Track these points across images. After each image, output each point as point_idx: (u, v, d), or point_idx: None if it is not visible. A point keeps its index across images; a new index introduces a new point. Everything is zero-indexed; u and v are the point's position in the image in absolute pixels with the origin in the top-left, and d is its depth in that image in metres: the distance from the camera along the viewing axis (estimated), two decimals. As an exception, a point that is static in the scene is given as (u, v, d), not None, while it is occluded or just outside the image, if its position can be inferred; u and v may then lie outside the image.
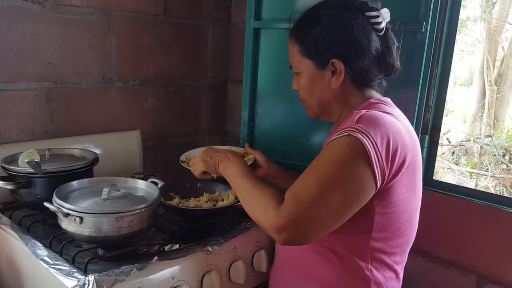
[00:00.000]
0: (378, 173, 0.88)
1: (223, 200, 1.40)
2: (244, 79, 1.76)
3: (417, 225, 1.08)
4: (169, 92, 1.95)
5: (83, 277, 0.97)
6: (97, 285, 0.95)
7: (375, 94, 1.08)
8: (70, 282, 0.99)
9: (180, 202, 1.37)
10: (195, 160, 1.22)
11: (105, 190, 1.13)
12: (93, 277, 0.95)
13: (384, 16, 1.02)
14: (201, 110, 2.14)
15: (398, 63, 1.07)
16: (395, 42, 1.07)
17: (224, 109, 2.25)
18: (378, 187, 0.90)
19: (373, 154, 0.87)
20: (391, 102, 1.07)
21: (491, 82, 4.73)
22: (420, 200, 1.07)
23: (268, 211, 0.91)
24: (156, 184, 1.26)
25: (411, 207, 1.01)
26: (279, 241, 0.91)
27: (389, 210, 0.96)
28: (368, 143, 0.87)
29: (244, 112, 1.79)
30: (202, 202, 1.37)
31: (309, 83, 1.07)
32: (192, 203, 1.37)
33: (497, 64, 4.78)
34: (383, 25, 1.03)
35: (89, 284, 0.95)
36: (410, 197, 0.99)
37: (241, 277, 1.25)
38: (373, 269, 1.00)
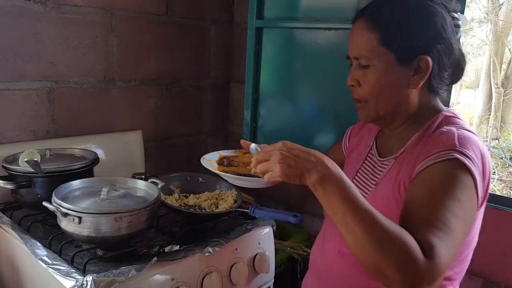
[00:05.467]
0: (479, 197, 0.83)
1: (223, 199, 1.38)
2: (247, 79, 1.75)
3: None
4: (171, 92, 1.94)
5: (81, 277, 0.97)
6: (95, 285, 0.94)
7: (440, 104, 0.98)
8: (68, 282, 0.98)
9: (179, 198, 1.36)
10: (267, 162, 0.81)
11: (104, 190, 1.12)
12: (91, 277, 0.95)
13: (462, 20, 0.93)
14: (203, 111, 2.13)
15: None
16: None
17: (227, 110, 2.24)
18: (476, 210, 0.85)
19: (478, 180, 0.81)
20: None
21: (497, 85, 4.68)
22: None
23: (416, 260, 0.69)
24: (156, 184, 1.25)
25: (478, 231, 0.95)
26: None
27: (466, 238, 0.88)
28: (474, 169, 0.81)
29: (246, 112, 1.78)
30: (202, 200, 1.35)
31: (383, 79, 0.90)
32: (191, 200, 1.35)
33: (504, 66, 4.74)
34: (461, 29, 0.93)
35: (87, 284, 0.94)
36: (480, 222, 0.93)
37: (242, 279, 1.24)
38: None
